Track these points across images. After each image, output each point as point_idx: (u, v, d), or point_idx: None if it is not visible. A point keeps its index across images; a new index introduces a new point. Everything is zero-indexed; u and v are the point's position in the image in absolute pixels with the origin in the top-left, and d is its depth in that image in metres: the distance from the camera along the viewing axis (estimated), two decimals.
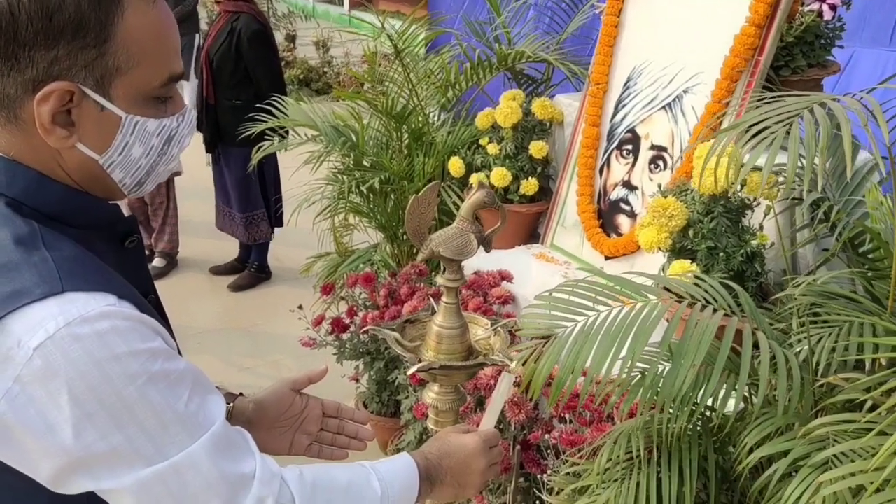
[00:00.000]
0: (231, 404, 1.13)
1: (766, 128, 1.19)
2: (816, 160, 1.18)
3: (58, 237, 0.81)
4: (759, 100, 1.28)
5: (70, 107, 0.81)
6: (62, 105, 0.80)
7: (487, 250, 1.30)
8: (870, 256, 1.66)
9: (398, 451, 2.62)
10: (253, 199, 4.07)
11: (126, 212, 1.00)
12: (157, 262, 4.37)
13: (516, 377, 1.29)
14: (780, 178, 1.78)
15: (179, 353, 0.88)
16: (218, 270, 4.42)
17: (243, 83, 3.84)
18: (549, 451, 1.92)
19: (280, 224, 4.21)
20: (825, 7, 1.92)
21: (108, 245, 0.89)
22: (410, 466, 1.03)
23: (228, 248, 4.41)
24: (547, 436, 1.91)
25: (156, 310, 0.93)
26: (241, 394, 1.18)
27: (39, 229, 0.80)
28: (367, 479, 0.97)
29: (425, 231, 1.25)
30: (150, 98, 0.85)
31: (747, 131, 1.22)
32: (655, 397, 1.32)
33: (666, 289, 1.46)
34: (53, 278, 0.76)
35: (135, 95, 0.84)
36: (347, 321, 2.64)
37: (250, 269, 4.31)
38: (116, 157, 0.86)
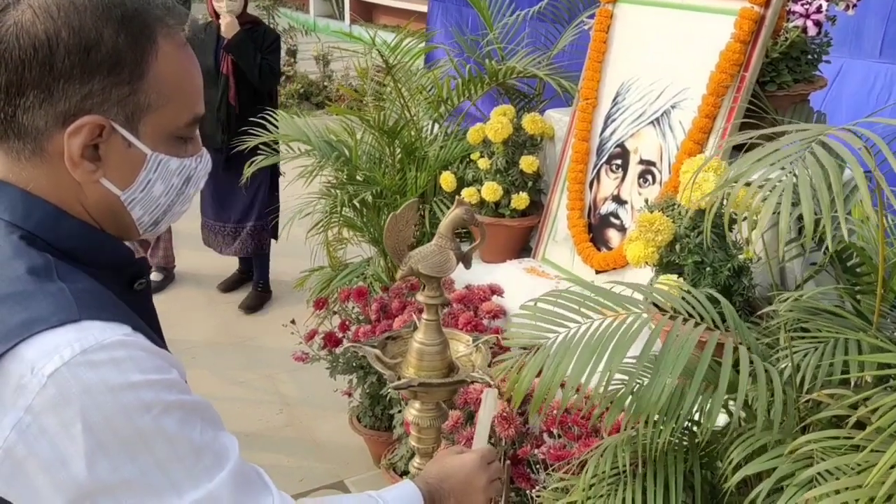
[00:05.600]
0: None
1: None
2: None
3: (72, 270, 0.80)
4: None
5: (98, 141, 0.81)
6: (92, 139, 0.81)
7: (467, 267, 1.30)
8: (857, 271, 1.66)
9: (391, 465, 2.61)
10: (261, 208, 3.98)
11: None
12: (154, 277, 4.37)
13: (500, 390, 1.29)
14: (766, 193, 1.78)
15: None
16: (227, 287, 4.31)
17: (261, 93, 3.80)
18: (538, 466, 1.91)
19: (275, 236, 4.15)
20: (810, 23, 1.93)
21: (116, 286, 0.88)
22: (415, 493, 1.06)
23: (222, 260, 4.36)
24: (536, 451, 1.91)
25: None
26: None
27: (54, 262, 0.80)
28: None
29: (404, 248, 1.25)
30: (174, 137, 0.87)
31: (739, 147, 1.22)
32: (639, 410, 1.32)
33: (653, 303, 1.46)
34: (70, 307, 0.75)
35: (161, 134, 0.85)
36: (340, 335, 2.64)
37: (257, 288, 4.19)
38: (139, 193, 0.86)
